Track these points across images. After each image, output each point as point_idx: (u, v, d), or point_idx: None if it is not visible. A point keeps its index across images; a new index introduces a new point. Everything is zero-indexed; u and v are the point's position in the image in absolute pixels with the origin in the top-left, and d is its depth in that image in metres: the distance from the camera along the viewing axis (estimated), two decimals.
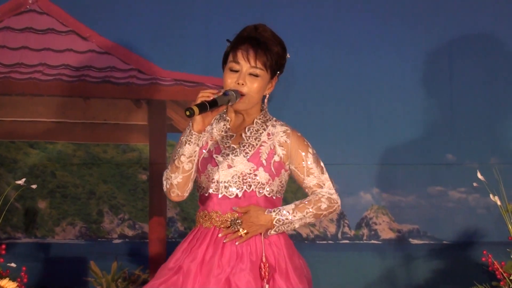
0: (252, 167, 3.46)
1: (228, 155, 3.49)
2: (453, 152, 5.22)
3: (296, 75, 5.13)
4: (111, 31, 5.23)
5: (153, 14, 5.23)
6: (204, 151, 3.51)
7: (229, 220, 3.45)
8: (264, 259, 3.42)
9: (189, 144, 3.42)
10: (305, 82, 5.19)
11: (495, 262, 4.03)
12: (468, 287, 4.26)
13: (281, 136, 3.50)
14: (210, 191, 3.48)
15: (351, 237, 5.26)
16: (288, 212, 3.44)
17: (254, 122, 3.52)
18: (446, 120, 5.22)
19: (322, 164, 3.52)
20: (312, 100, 5.21)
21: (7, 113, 5.23)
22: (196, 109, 3.31)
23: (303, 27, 5.20)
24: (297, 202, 3.48)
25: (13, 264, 4.06)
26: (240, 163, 3.47)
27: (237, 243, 3.44)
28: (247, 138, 3.50)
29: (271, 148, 3.49)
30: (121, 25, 5.23)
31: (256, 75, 3.46)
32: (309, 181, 3.49)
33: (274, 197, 3.49)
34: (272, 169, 3.48)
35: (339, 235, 5.28)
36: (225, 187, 3.47)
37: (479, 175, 4.05)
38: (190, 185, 3.49)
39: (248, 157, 3.47)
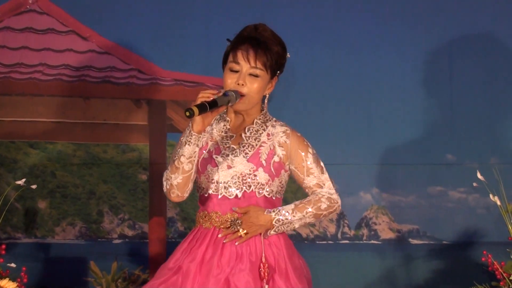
0: (251, 168, 3.46)
1: (227, 155, 3.49)
2: (453, 152, 5.22)
3: (296, 75, 5.13)
4: (111, 31, 5.23)
5: (153, 14, 5.23)
6: (204, 151, 3.51)
7: (229, 220, 3.45)
8: (263, 260, 3.42)
9: (188, 144, 3.42)
10: (305, 82, 5.19)
11: (495, 262, 4.03)
12: (468, 287, 4.26)
13: (281, 137, 3.50)
14: (210, 191, 3.48)
15: (351, 237, 5.26)
16: (287, 212, 3.44)
17: (254, 122, 3.52)
18: (446, 120, 5.22)
19: (322, 164, 3.52)
20: (312, 100, 5.21)
21: (7, 113, 5.23)
22: (196, 110, 3.31)
23: (303, 27, 5.20)
24: (297, 202, 3.48)
25: (13, 265, 4.06)
26: (240, 164, 3.47)
27: (237, 244, 3.44)
28: (247, 138, 3.50)
29: (270, 149, 3.49)
30: (121, 25, 5.23)
31: (256, 76, 3.46)
32: (309, 181, 3.49)
33: (273, 198, 3.49)
34: (272, 169, 3.48)
35: (339, 235, 5.28)
36: (225, 187, 3.47)
37: (479, 175, 4.05)
38: (190, 186, 3.49)
39: (247, 157, 3.47)
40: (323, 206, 3.47)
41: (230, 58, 3.48)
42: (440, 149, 5.22)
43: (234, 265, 3.41)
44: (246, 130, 3.52)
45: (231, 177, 3.47)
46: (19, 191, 4.26)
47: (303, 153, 3.49)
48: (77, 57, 5.25)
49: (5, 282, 3.97)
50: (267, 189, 3.47)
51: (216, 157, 3.49)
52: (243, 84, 3.45)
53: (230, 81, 3.46)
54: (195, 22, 5.21)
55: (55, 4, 5.25)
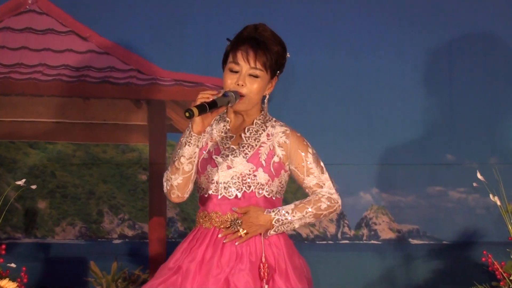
0: (251, 168, 3.46)
1: (227, 156, 3.49)
2: (453, 152, 5.22)
3: (296, 75, 5.13)
4: (111, 31, 5.23)
5: (153, 14, 5.23)
6: (204, 152, 3.51)
7: (229, 220, 3.45)
8: (263, 260, 3.42)
9: (188, 145, 3.42)
10: (305, 82, 5.19)
11: (495, 262, 4.03)
12: (468, 287, 4.26)
13: (281, 137, 3.50)
14: (210, 192, 3.48)
15: (351, 237, 5.26)
16: (287, 212, 3.44)
17: (254, 122, 3.52)
18: (446, 120, 5.22)
19: (322, 164, 3.52)
20: (312, 100, 5.21)
21: (7, 113, 5.23)
22: (195, 111, 3.31)
23: (303, 27, 5.20)
24: (296, 202, 3.48)
25: (13, 265, 4.06)
26: (240, 164, 3.47)
27: (237, 244, 3.44)
28: (247, 138, 3.50)
29: (270, 149, 3.49)
30: (121, 25, 5.23)
31: (256, 76, 3.46)
32: (309, 181, 3.49)
33: (273, 198, 3.49)
34: (272, 169, 3.48)
35: (339, 235, 5.28)
36: (225, 188, 3.47)
37: (479, 175, 4.05)
38: (191, 186, 3.49)
39: (247, 158, 3.47)
40: (323, 206, 3.47)
41: (230, 58, 3.48)
42: (440, 149, 5.22)
43: (234, 265, 3.41)
44: (246, 130, 3.52)
45: (231, 177, 3.47)
46: (19, 191, 4.26)
47: (303, 153, 3.49)
48: (77, 57, 5.25)
49: (5, 282, 3.97)
50: (267, 189, 3.47)
51: (216, 158, 3.49)
52: (242, 85, 3.45)
53: (230, 81, 3.46)
54: (195, 22, 5.21)
55: (54, 5, 5.24)
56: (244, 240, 3.44)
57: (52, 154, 5.24)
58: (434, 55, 5.21)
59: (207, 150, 3.52)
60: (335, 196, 3.49)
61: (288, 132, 3.51)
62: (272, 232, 3.44)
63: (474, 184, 4.10)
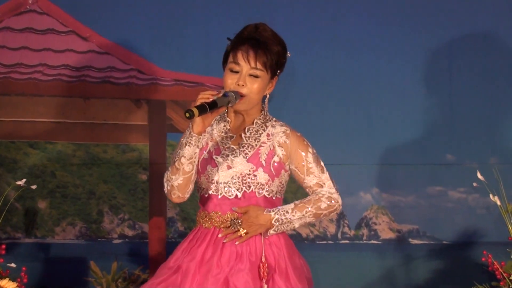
0: (251, 168, 3.47)
1: (227, 156, 3.49)
2: (453, 152, 5.22)
3: (296, 75, 5.13)
4: (111, 31, 5.23)
5: (153, 14, 5.23)
6: (204, 152, 3.52)
7: (229, 220, 3.45)
8: (263, 259, 3.42)
9: (189, 145, 3.43)
10: (305, 82, 5.19)
11: (495, 262, 4.04)
12: (468, 287, 4.26)
13: (281, 137, 3.50)
14: (210, 192, 3.49)
15: (351, 237, 5.26)
16: (287, 211, 3.44)
17: (254, 122, 3.53)
18: (446, 120, 5.22)
19: (322, 163, 3.52)
20: (312, 100, 5.21)
21: (7, 113, 5.23)
22: (195, 111, 3.31)
23: (303, 27, 5.20)
24: (296, 202, 3.48)
25: (13, 265, 4.06)
26: (240, 164, 3.47)
27: (237, 243, 3.44)
28: (247, 138, 3.51)
29: (270, 149, 3.49)
30: (121, 25, 5.23)
31: (256, 76, 3.46)
32: (309, 181, 3.49)
33: (274, 198, 3.49)
34: (272, 169, 3.48)
35: (339, 235, 5.28)
36: (225, 187, 3.47)
37: (479, 175, 4.05)
38: (191, 187, 3.49)
39: (247, 157, 3.47)
40: (323, 205, 3.47)
41: (230, 58, 3.48)
42: (440, 149, 5.22)
43: (233, 265, 3.41)
44: (246, 130, 3.52)
45: (231, 177, 3.47)
46: (19, 191, 4.26)
47: (303, 153, 3.49)
48: (77, 57, 5.25)
49: (5, 282, 3.97)
50: (267, 189, 3.47)
51: (216, 158, 3.49)
52: (243, 85, 3.45)
53: (230, 81, 3.47)
54: (194, 22, 5.21)
55: (55, 4, 5.24)
56: (244, 239, 3.44)
57: (52, 154, 5.24)
58: (434, 55, 5.21)
59: (208, 150, 3.52)
60: (335, 195, 3.49)
61: (288, 132, 3.51)
62: (272, 231, 3.44)
63: (474, 184, 4.10)
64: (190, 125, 3.43)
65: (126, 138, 5.26)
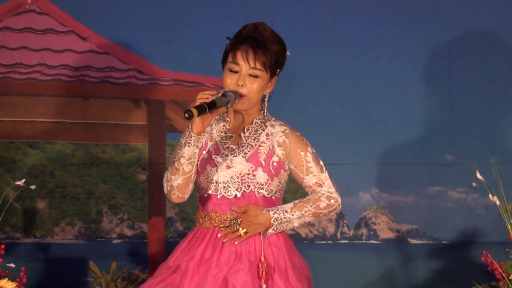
0: (251, 168, 3.47)
1: (227, 155, 3.49)
2: (452, 152, 5.22)
3: (296, 75, 5.13)
4: (111, 31, 5.23)
5: (153, 14, 5.22)
6: (203, 152, 3.52)
7: (228, 220, 3.45)
8: (262, 259, 3.42)
9: (188, 146, 3.43)
10: (305, 82, 5.19)
11: (494, 262, 4.03)
12: (467, 287, 4.26)
13: (280, 136, 3.50)
14: (209, 191, 3.49)
15: (350, 237, 5.26)
16: (286, 210, 3.45)
17: (253, 122, 3.53)
18: (445, 120, 5.22)
19: (321, 163, 3.52)
20: (312, 100, 5.20)
21: (7, 113, 5.23)
22: (195, 111, 3.31)
23: (303, 27, 5.20)
24: (296, 201, 3.48)
25: (12, 265, 4.05)
26: (239, 164, 3.47)
27: (236, 243, 3.44)
28: (246, 138, 3.51)
29: (270, 149, 3.49)
30: (121, 25, 5.23)
31: (256, 76, 3.46)
32: (309, 180, 3.49)
33: (273, 197, 3.49)
34: (271, 169, 3.48)
35: (338, 235, 5.28)
36: (224, 187, 3.47)
37: (478, 175, 4.05)
38: (191, 187, 3.49)
39: (246, 157, 3.47)
40: (323, 205, 3.47)
41: (230, 58, 3.48)
42: (439, 149, 5.22)
43: (232, 264, 3.41)
44: (245, 130, 3.52)
45: (230, 177, 3.47)
46: (19, 191, 4.25)
47: (302, 152, 3.49)
48: (76, 57, 5.24)
49: (4, 282, 3.97)
50: (266, 189, 3.47)
51: (215, 157, 3.49)
52: (242, 85, 3.45)
53: (230, 81, 3.47)
54: (194, 22, 5.21)
55: (54, 4, 5.24)
56: (244, 239, 3.44)
57: (51, 154, 5.23)
58: (434, 55, 5.21)
59: (207, 150, 3.52)
60: (335, 195, 3.49)
61: (287, 131, 3.51)
62: (271, 231, 3.44)
63: (474, 184, 4.10)
64: (190, 125, 3.43)
65: (126, 138, 5.26)
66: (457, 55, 5.21)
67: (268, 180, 3.47)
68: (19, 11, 5.26)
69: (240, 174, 3.46)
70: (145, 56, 5.23)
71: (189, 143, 3.42)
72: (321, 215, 3.48)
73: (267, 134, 3.51)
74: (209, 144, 3.53)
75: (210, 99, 3.37)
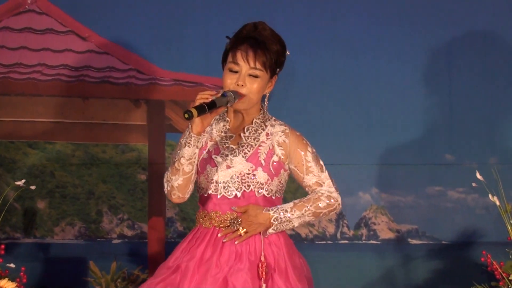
0: (251, 167, 3.47)
1: (227, 155, 3.49)
2: (452, 152, 5.22)
3: (296, 75, 5.13)
4: (110, 31, 5.23)
5: (153, 14, 5.22)
6: (203, 152, 3.52)
7: (228, 219, 3.45)
8: (262, 259, 3.42)
9: (188, 146, 3.43)
10: (305, 82, 5.19)
11: (494, 262, 4.03)
12: (467, 287, 4.26)
13: (280, 136, 3.50)
14: (210, 191, 3.49)
15: (350, 237, 5.26)
16: (286, 210, 3.45)
17: (253, 122, 3.53)
18: (445, 120, 5.22)
19: (321, 162, 3.52)
20: (312, 100, 5.20)
21: (6, 113, 5.23)
22: (194, 112, 3.31)
23: (303, 27, 5.20)
24: (296, 201, 3.48)
25: (12, 265, 4.05)
26: (239, 164, 3.47)
27: (236, 243, 3.44)
28: (246, 138, 3.51)
29: (269, 148, 3.49)
30: (121, 25, 5.23)
31: (256, 76, 3.46)
32: (309, 180, 3.49)
33: (273, 197, 3.49)
34: (271, 169, 3.48)
35: (338, 235, 5.28)
36: (224, 187, 3.47)
37: (478, 175, 4.05)
38: (191, 187, 3.49)
39: (246, 157, 3.47)
40: (322, 204, 3.47)
41: (230, 58, 3.48)
42: (439, 149, 5.22)
43: (232, 264, 3.41)
44: (245, 130, 3.52)
45: (230, 177, 3.47)
46: (19, 191, 4.25)
47: (302, 152, 3.49)
48: (76, 57, 5.24)
49: (4, 282, 3.97)
50: (266, 189, 3.47)
51: (215, 157, 3.49)
52: (242, 85, 3.45)
53: (230, 81, 3.47)
54: (195, 22, 5.21)
55: (54, 4, 5.24)
56: (244, 239, 3.44)
57: (51, 154, 5.23)
58: (434, 55, 5.21)
59: (207, 149, 3.52)
60: (335, 194, 3.49)
61: (287, 131, 3.51)
62: (271, 230, 3.44)
63: (474, 184, 4.10)
64: (189, 126, 3.43)
65: (125, 138, 5.26)
66: (457, 55, 5.21)
67: (268, 179, 3.47)
68: (19, 11, 5.26)
69: (240, 174, 3.46)
70: (145, 56, 5.23)
71: (189, 143, 3.42)
72: (321, 214, 3.48)
73: (267, 134, 3.51)
74: (209, 144, 3.53)
75: (210, 99, 3.37)
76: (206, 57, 5.14)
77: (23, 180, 4.09)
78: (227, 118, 3.56)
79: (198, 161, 3.48)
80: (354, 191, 5.22)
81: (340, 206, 3.52)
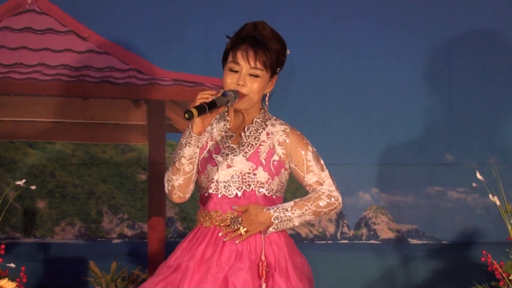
0: (251, 167, 3.47)
1: (227, 155, 3.49)
2: (452, 152, 5.22)
3: (295, 75, 5.13)
4: (110, 31, 5.23)
5: (153, 14, 5.22)
6: (204, 151, 3.52)
7: (229, 219, 3.45)
8: (263, 258, 3.42)
9: (189, 146, 3.43)
10: (304, 82, 5.19)
11: (494, 262, 4.03)
12: (467, 287, 4.26)
13: (280, 135, 3.51)
14: (210, 191, 3.49)
15: (350, 237, 5.26)
16: (286, 209, 3.45)
17: (254, 121, 3.53)
18: (445, 120, 5.22)
19: (322, 161, 3.52)
20: (312, 100, 5.20)
21: (6, 113, 5.23)
22: (194, 112, 3.31)
23: (303, 27, 5.20)
24: (296, 200, 3.48)
25: (12, 265, 4.05)
26: (240, 163, 3.47)
27: (237, 242, 3.44)
28: (246, 137, 3.51)
29: (270, 148, 3.49)
30: (120, 25, 5.23)
31: (256, 76, 3.46)
32: (309, 179, 3.49)
33: (274, 196, 3.49)
34: (272, 168, 3.48)
35: (338, 235, 5.28)
36: (225, 186, 3.47)
37: (478, 175, 4.05)
38: (192, 186, 3.50)
39: (247, 156, 3.48)
40: (323, 203, 3.47)
41: (230, 58, 3.48)
42: (439, 149, 5.22)
43: (233, 263, 3.41)
44: (246, 129, 3.52)
45: (231, 176, 3.47)
46: (19, 191, 4.25)
47: (303, 151, 3.49)
48: (76, 57, 5.24)
49: (4, 282, 3.97)
50: (267, 188, 3.47)
51: (216, 157, 3.49)
52: (243, 85, 3.45)
53: (230, 81, 3.47)
54: (195, 22, 5.21)
55: (54, 4, 5.24)
56: (244, 238, 3.44)
57: (51, 154, 5.23)
58: (434, 55, 5.21)
59: (207, 149, 3.52)
60: (335, 193, 3.50)
61: (288, 130, 3.52)
62: (271, 229, 3.44)
63: (474, 184, 4.10)
64: (190, 126, 3.43)
65: (125, 138, 5.26)
66: (457, 55, 5.21)
67: (268, 179, 3.47)
68: (19, 11, 5.26)
69: (241, 173, 3.46)
70: (145, 56, 5.23)
71: (189, 143, 3.42)
72: (322, 213, 3.48)
73: (268, 133, 3.51)
74: (210, 143, 3.53)
75: (210, 99, 3.37)
76: (206, 57, 5.14)
77: (23, 180, 4.09)
78: (228, 118, 3.56)
79: (198, 160, 3.48)
80: (354, 191, 5.22)
81: (341, 205, 3.52)
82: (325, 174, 3.51)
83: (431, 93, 5.21)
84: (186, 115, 3.31)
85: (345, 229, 5.28)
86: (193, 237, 3.50)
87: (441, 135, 5.21)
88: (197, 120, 3.39)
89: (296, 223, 3.47)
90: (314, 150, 3.52)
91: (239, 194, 3.46)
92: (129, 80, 5.24)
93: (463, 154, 5.20)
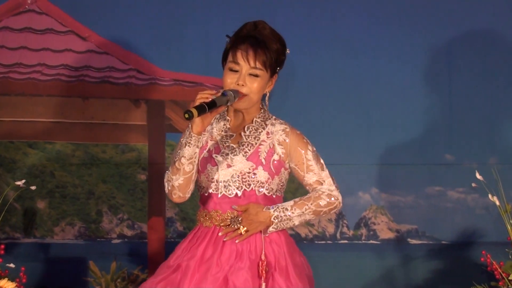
0: (251, 166, 3.47)
1: (227, 154, 3.49)
2: (452, 152, 5.22)
3: (295, 75, 5.13)
4: (110, 31, 5.23)
5: (153, 14, 5.22)
6: (204, 151, 3.52)
7: (229, 218, 3.46)
8: (263, 257, 3.42)
9: (189, 146, 3.43)
10: (304, 82, 5.19)
11: (494, 262, 4.03)
12: (467, 287, 4.26)
13: (280, 135, 3.51)
14: (210, 190, 3.49)
15: (350, 237, 5.26)
16: (286, 208, 3.45)
17: (254, 121, 3.53)
18: (445, 120, 5.22)
19: (322, 161, 3.52)
20: (312, 100, 5.20)
21: (6, 113, 5.23)
22: (194, 112, 3.31)
23: (303, 27, 5.20)
24: (296, 199, 3.48)
25: (12, 265, 4.05)
26: (240, 163, 3.47)
27: (237, 241, 3.44)
28: (246, 137, 3.51)
29: (270, 147, 3.49)
30: (121, 25, 5.23)
31: (256, 75, 3.46)
32: (309, 178, 3.49)
33: (274, 196, 3.49)
34: (272, 167, 3.48)
35: (338, 235, 5.28)
36: (225, 186, 3.47)
37: (478, 175, 4.05)
38: (192, 186, 3.50)
39: (247, 156, 3.48)
40: (323, 202, 3.47)
41: (230, 57, 3.48)
42: (439, 149, 5.22)
43: (233, 263, 3.41)
44: (246, 129, 3.52)
45: (231, 176, 3.47)
46: (19, 191, 4.25)
47: (302, 151, 3.49)
48: (76, 57, 5.24)
49: (4, 282, 3.97)
50: (267, 187, 3.47)
51: (216, 156, 3.49)
52: (243, 85, 3.45)
53: (230, 81, 3.47)
54: (195, 22, 5.21)
55: (54, 4, 5.24)
56: (244, 237, 3.44)
57: (51, 154, 5.23)
58: (434, 55, 5.21)
59: (207, 149, 3.52)
60: (335, 193, 3.49)
61: (287, 130, 3.52)
62: (271, 229, 3.44)
63: (473, 184, 4.10)
64: (190, 125, 3.43)
65: (125, 138, 5.26)
66: (457, 55, 5.22)
67: (268, 178, 3.47)
68: (19, 11, 5.26)
69: (241, 172, 3.46)
70: (145, 56, 5.23)
71: (189, 143, 3.42)
72: (322, 213, 3.48)
73: (268, 133, 3.51)
74: (210, 143, 3.53)
75: (210, 99, 3.37)
76: (206, 57, 5.14)
77: (23, 180, 4.09)
78: (228, 117, 3.56)
79: (198, 160, 3.48)
80: (354, 191, 5.22)
81: (341, 204, 3.52)
82: (325, 173, 3.51)
83: (431, 93, 5.21)
84: (186, 115, 3.31)
85: (345, 229, 5.28)
86: (193, 237, 3.50)
87: (441, 135, 5.21)
88: (197, 120, 3.39)
89: (296, 223, 3.47)
90: (314, 149, 3.52)
91: (239, 193, 3.46)
92: (129, 80, 5.24)
93: (463, 154, 5.20)
